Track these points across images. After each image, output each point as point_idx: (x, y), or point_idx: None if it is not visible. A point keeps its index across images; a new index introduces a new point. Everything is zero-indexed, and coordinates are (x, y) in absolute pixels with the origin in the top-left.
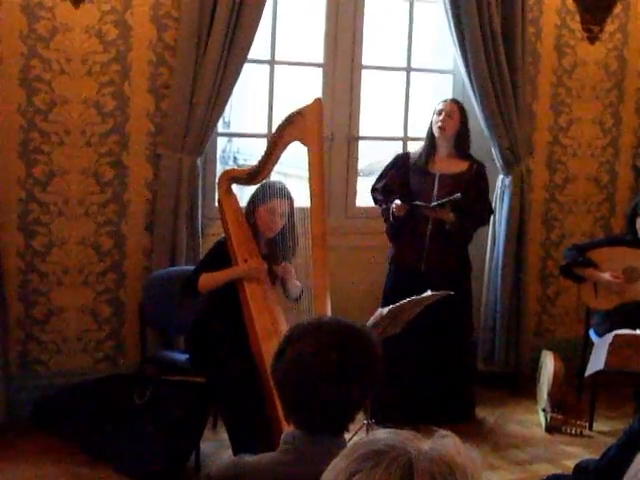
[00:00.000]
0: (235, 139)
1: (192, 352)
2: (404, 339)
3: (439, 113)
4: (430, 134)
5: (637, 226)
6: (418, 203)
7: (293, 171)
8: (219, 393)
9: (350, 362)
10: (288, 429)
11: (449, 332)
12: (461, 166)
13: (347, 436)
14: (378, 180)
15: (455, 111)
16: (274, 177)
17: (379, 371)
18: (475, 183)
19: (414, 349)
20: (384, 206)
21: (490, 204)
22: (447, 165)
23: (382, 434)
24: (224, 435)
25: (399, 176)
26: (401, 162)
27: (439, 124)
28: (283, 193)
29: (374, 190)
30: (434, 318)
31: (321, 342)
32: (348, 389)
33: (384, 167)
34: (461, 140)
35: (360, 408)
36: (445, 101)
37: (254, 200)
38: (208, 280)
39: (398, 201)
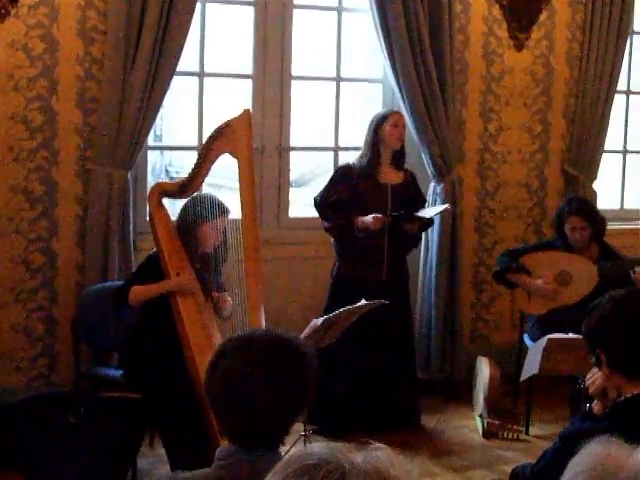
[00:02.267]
0: (167, 152)
1: (126, 368)
2: (346, 347)
3: (395, 124)
4: (375, 145)
5: (567, 232)
6: (402, 215)
7: (225, 182)
8: (155, 408)
9: (281, 376)
10: (224, 443)
11: (394, 339)
12: (400, 175)
13: (285, 448)
14: (326, 194)
15: (404, 122)
16: (205, 189)
17: (312, 383)
18: (415, 191)
19: (357, 357)
20: (339, 221)
21: None
22: (391, 175)
23: (316, 448)
24: (161, 451)
25: (348, 189)
26: (346, 174)
27: (398, 135)
28: (223, 208)
29: (323, 205)
30: (379, 325)
31: (251, 357)
32: (279, 404)
33: (329, 180)
34: (403, 151)
35: (294, 421)
36: (395, 112)
37: (195, 216)
38: (139, 292)
39: (376, 215)
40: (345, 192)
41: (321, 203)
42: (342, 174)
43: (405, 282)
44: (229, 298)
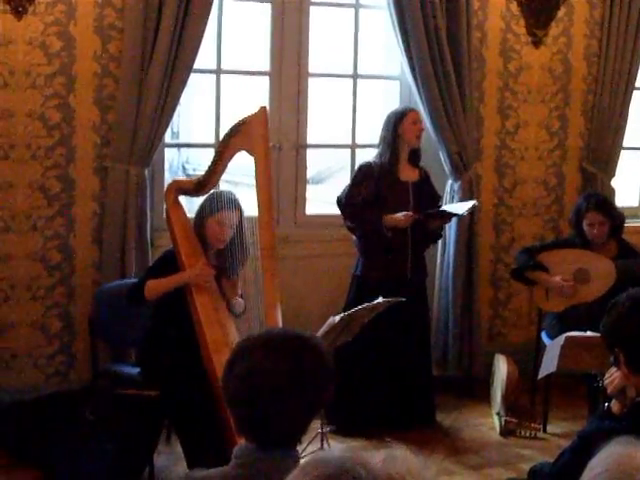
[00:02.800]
0: (184, 148)
1: (144, 365)
2: (364, 345)
3: (415, 122)
4: (394, 142)
5: (585, 228)
6: (432, 212)
7: (242, 179)
8: (172, 406)
9: (298, 375)
10: (241, 441)
11: (411, 336)
12: (417, 173)
13: (302, 446)
14: (351, 194)
15: (422, 119)
16: (223, 186)
17: (330, 381)
18: (430, 189)
19: (374, 354)
20: (357, 221)
21: None
22: (409, 173)
23: (332, 454)
24: (178, 448)
25: (372, 188)
26: (369, 173)
27: (419, 132)
28: (232, 204)
29: (353, 205)
30: (397, 322)
31: (269, 356)
32: (298, 402)
33: (353, 179)
34: (419, 148)
35: (311, 420)
36: (413, 110)
37: (202, 211)
38: (155, 286)
39: (407, 212)
40: (370, 190)
41: (346, 203)
42: (364, 173)
43: (423, 279)
44: (239, 294)
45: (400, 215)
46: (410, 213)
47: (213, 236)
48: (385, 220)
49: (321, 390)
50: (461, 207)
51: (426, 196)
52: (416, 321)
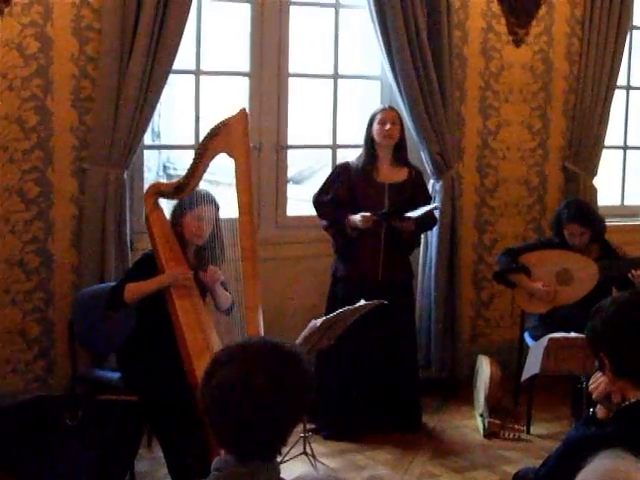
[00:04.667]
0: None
1: (124, 370)
2: (347, 347)
3: (383, 122)
4: (370, 143)
5: (566, 236)
6: (390, 214)
7: (223, 179)
8: (153, 411)
9: (277, 386)
10: (221, 452)
11: (396, 340)
12: (403, 174)
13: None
14: (322, 193)
15: (397, 118)
16: (204, 186)
17: (309, 391)
18: (419, 190)
19: (358, 357)
20: (334, 219)
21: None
22: (391, 174)
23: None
24: (159, 453)
25: (345, 187)
26: (344, 172)
27: (387, 132)
28: (208, 199)
29: (320, 203)
30: (382, 326)
31: (248, 366)
32: (277, 414)
33: (326, 178)
34: (402, 147)
35: (292, 430)
36: (384, 109)
37: (179, 208)
38: (134, 290)
39: (365, 213)
40: (342, 191)
41: (316, 202)
42: (338, 173)
43: (407, 282)
44: (211, 267)
45: (358, 216)
46: (368, 214)
47: (192, 232)
48: (348, 220)
49: (301, 401)
50: (419, 210)
51: (410, 198)
52: (398, 324)
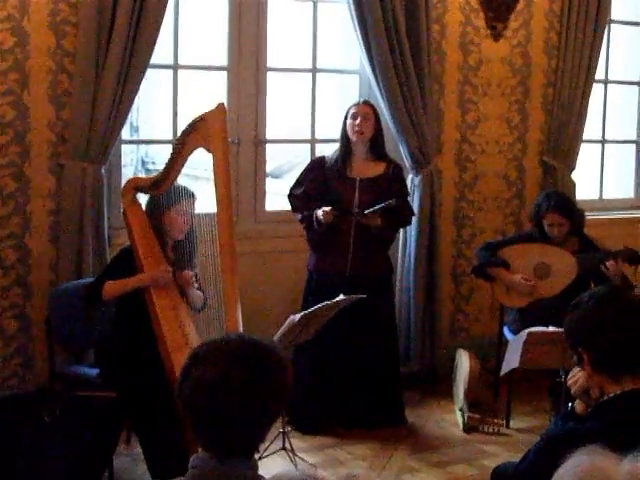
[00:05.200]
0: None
1: (102, 366)
2: (330, 345)
3: (354, 117)
4: (344, 138)
5: (545, 227)
6: (349, 210)
7: (202, 174)
8: (131, 407)
9: (255, 384)
10: (199, 450)
11: (375, 335)
12: (379, 168)
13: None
14: (296, 186)
15: (370, 113)
16: (182, 180)
17: (287, 389)
18: (395, 185)
19: (340, 353)
20: (305, 213)
21: (410, 205)
22: (365, 169)
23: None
24: (138, 449)
25: (317, 182)
26: (318, 167)
27: (356, 128)
28: (187, 192)
29: (293, 197)
30: (360, 321)
31: (226, 363)
32: (254, 411)
33: (300, 172)
34: (377, 142)
35: (269, 428)
36: (357, 104)
37: (160, 203)
38: (112, 288)
39: (326, 208)
40: (314, 183)
41: (289, 195)
42: (312, 167)
43: (382, 278)
44: (191, 273)
45: (320, 211)
46: (328, 209)
47: (175, 227)
48: (315, 215)
49: (278, 398)
50: (375, 207)
51: (384, 193)
52: (376, 320)
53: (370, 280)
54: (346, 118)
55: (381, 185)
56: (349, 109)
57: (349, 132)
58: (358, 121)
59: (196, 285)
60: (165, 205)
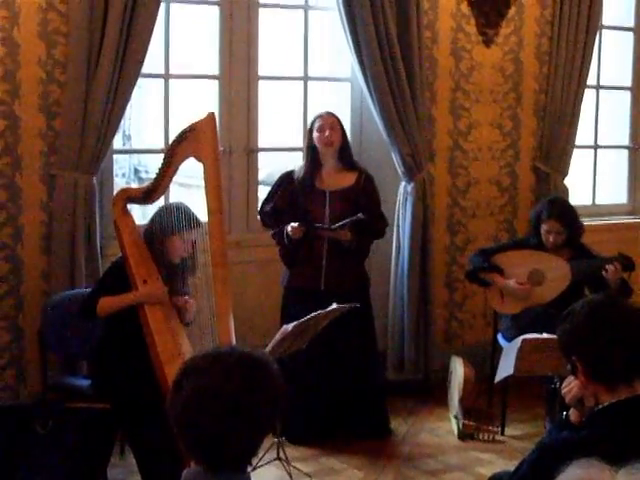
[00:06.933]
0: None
1: (95, 377)
2: (311, 359)
3: (321, 129)
4: (312, 150)
5: (542, 232)
6: (316, 225)
7: (194, 182)
8: (124, 418)
9: (247, 396)
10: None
11: (353, 348)
12: (349, 179)
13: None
14: (266, 202)
15: (336, 122)
16: (174, 189)
17: (279, 401)
18: (366, 196)
19: (322, 367)
20: (276, 229)
21: (383, 215)
22: (335, 180)
23: None
24: (132, 460)
25: (286, 196)
26: (287, 182)
27: (325, 140)
28: (197, 222)
29: (263, 213)
30: (338, 335)
31: (216, 377)
32: (247, 424)
33: (270, 188)
34: (346, 151)
35: (262, 440)
36: (321, 115)
37: (164, 227)
38: (107, 305)
39: (294, 223)
40: (284, 198)
41: (260, 211)
42: (281, 182)
43: (359, 290)
44: (191, 300)
45: (289, 227)
46: (296, 225)
47: (175, 252)
48: (285, 231)
49: (271, 410)
50: (343, 221)
51: (357, 204)
52: (356, 333)
53: (345, 294)
54: (311, 131)
55: (351, 197)
56: (314, 121)
57: (318, 144)
58: (327, 132)
59: (191, 317)
60: (171, 229)
